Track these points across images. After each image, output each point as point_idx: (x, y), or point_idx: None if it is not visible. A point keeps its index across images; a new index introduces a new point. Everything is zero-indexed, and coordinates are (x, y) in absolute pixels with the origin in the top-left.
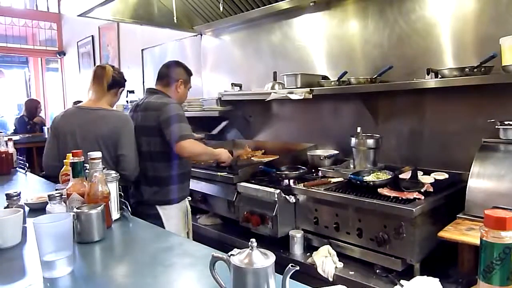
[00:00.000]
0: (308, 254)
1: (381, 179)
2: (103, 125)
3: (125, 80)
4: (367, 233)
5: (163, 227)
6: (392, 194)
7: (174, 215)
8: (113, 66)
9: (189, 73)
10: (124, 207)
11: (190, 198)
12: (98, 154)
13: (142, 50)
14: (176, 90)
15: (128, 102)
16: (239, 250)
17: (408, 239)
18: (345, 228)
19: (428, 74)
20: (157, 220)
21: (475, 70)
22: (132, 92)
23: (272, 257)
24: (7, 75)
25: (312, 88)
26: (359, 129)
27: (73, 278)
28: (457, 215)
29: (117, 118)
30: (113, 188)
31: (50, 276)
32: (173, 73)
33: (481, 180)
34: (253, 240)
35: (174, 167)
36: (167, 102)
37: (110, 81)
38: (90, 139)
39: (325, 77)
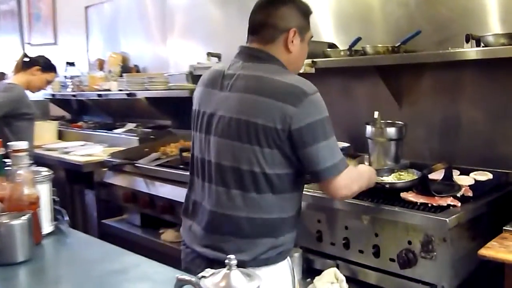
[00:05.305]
0: (309, 279)
1: (404, 180)
2: None
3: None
4: (386, 252)
5: None
6: (419, 199)
7: None
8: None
9: (305, 12)
10: (59, 216)
11: None
12: (23, 144)
13: (86, 7)
14: (286, 49)
15: (67, 77)
16: (213, 271)
17: (440, 258)
18: (357, 245)
19: (467, 42)
20: None
21: None
22: (72, 64)
23: (257, 279)
24: None
25: (314, 60)
26: (376, 114)
27: None
28: (504, 227)
29: None
30: (45, 191)
31: None
32: (276, 18)
33: None
34: (232, 256)
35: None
36: (303, 89)
37: None
38: None
39: (332, 45)
